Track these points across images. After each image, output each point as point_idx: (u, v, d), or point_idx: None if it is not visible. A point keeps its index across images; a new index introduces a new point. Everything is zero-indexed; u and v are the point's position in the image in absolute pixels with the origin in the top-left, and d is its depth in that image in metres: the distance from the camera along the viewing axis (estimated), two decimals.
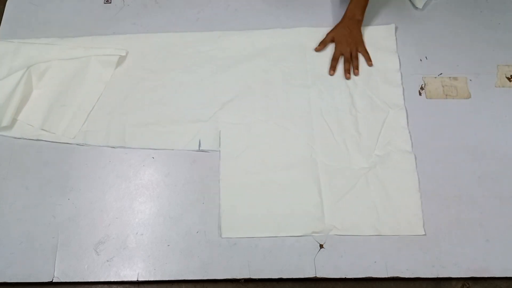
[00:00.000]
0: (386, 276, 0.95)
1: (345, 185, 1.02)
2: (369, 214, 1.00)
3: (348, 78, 1.14)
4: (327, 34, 1.18)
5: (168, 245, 0.99)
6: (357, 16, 1.16)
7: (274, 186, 1.03)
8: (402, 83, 1.13)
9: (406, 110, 1.10)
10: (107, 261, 0.98)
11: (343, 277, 0.95)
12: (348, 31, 1.17)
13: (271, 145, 1.07)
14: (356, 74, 1.14)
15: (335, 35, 1.17)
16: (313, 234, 0.98)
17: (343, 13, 1.21)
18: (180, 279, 0.96)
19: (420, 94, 1.12)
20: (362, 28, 1.20)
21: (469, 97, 1.12)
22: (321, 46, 1.17)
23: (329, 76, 1.15)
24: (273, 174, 1.04)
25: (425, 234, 0.97)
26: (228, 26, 1.22)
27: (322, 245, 0.98)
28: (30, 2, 1.28)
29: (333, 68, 1.15)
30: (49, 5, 1.28)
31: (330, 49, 1.18)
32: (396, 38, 1.19)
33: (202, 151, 1.07)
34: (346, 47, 1.16)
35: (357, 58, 1.16)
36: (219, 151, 1.07)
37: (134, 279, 0.96)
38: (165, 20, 1.24)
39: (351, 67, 1.15)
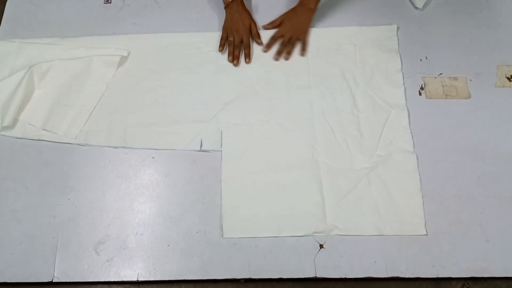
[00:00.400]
0: (386, 276, 0.95)
1: (347, 185, 1.02)
2: (370, 214, 1.00)
3: (276, 59, 1.17)
4: (280, 16, 1.19)
5: (168, 245, 0.99)
6: (310, 5, 1.15)
7: (276, 186, 1.03)
8: (403, 83, 1.13)
9: (408, 110, 1.10)
10: (107, 261, 0.98)
11: (343, 277, 0.95)
12: (297, 17, 1.17)
13: (273, 146, 1.07)
14: (286, 59, 1.16)
15: (284, 18, 1.18)
16: (314, 234, 0.98)
17: (342, 13, 1.21)
18: (180, 279, 0.96)
19: (420, 94, 1.12)
20: (363, 28, 1.20)
21: (469, 97, 1.12)
22: (270, 25, 1.19)
23: (331, 77, 1.14)
24: (274, 174, 1.04)
25: (426, 234, 0.98)
26: None
27: (322, 245, 0.98)
28: (30, 2, 1.28)
29: (268, 46, 1.17)
30: (49, 5, 1.28)
31: (333, 50, 1.17)
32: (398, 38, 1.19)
33: (204, 151, 1.07)
34: (289, 31, 1.16)
35: (293, 45, 1.17)
36: (221, 151, 1.07)
37: (134, 279, 0.96)
38: (165, 20, 1.24)
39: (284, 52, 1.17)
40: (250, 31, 1.17)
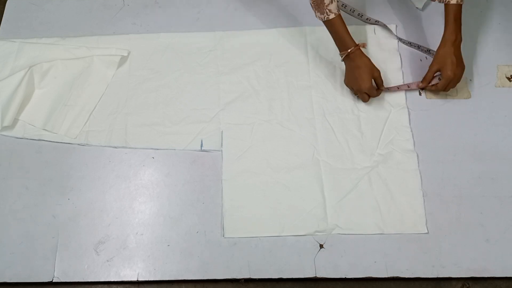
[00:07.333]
0: (386, 276, 0.95)
1: (348, 185, 1.03)
2: (372, 212, 1.00)
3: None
4: (430, 68, 1.08)
5: (168, 245, 0.99)
6: (458, 37, 1.05)
7: (277, 186, 1.03)
8: (404, 83, 1.13)
9: (408, 109, 1.10)
10: (107, 261, 0.98)
11: (343, 277, 0.95)
12: (455, 59, 1.04)
13: (274, 145, 1.07)
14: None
15: (442, 67, 1.05)
16: (316, 234, 0.98)
17: (342, 13, 1.21)
18: (180, 279, 0.96)
19: (420, 94, 1.12)
20: (363, 27, 1.20)
21: (469, 97, 1.12)
22: (425, 83, 1.09)
23: (331, 76, 1.14)
24: (275, 174, 1.04)
25: (427, 233, 0.98)
26: (228, 26, 1.22)
27: (322, 245, 0.98)
28: (30, 2, 1.28)
29: (426, 81, 1.09)
30: (49, 5, 1.28)
31: (333, 49, 1.15)
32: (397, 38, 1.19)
33: (204, 151, 1.07)
34: (458, 73, 1.05)
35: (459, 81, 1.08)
36: (221, 151, 1.07)
37: (134, 279, 0.96)
38: (165, 20, 1.24)
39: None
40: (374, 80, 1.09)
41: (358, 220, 0.99)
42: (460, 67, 1.06)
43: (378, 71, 1.08)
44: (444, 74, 1.05)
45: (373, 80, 1.08)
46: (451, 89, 1.11)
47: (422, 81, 1.10)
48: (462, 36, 1.06)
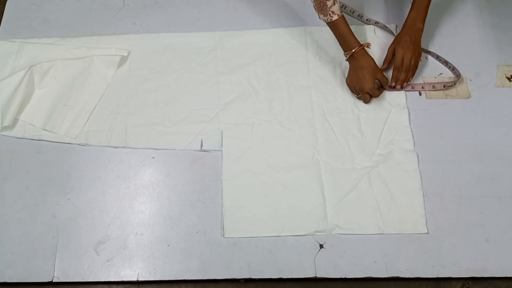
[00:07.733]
0: (386, 276, 0.95)
1: (348, 185, 1.03)
2: (372, 212, 1.00)
3: (398, 89, 1.11)
4: (388, 50, 1.12)
5: (168, 245, 0.99)
6: (418, 25, 1.09)
7: (277, 186, 1.03)
8: None
9: (408, 109, 1.10)
10: (107, 261, 0.98)
11: (343, 277, 0.95)
12: (409, 40, 1.09)
13: (274, 145, 1.07)
14: (403, 87, 1.10)
15: (395, 46, 1.10)
16: (316, 234, 0.98)
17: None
18: (180, 279, 0.96)
19: (420, 94, 1.12)
20: (362, 27, 1.20)
21: (469, 97, 1.12)
22: (386, 64, 1.12)
23: (331, 76, 1.14)
24: (275, 174, 1.04)
25: (427, 233, 0.98)
26: (228, 26, 1.22)
27: (322, 245, 0.98)
28: (30, 2, 1.28)
29: (395, 79, 1.10)
30: (49, 5, 1.28)
31: (333, 49, 1.17)
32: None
33: (204, 151, 1.07)
34: (408, 53, 1.08)
35: (413, 70, 1.10)
36: (221, 151, 1.07)
37: (134, 279, 0.96)
38: (165, 20, 1.24)
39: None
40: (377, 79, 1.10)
41: (358, 220, 0.99)
42: (415, 49, 1.09)
43: (381, 71, 1.09)
44: (397, 51, 1.09)
45: (377, 80, 1.09)
46: (451, 89, 1.11)
47: (384, 63, 1.13)
48: (424, 25, 1.10)
